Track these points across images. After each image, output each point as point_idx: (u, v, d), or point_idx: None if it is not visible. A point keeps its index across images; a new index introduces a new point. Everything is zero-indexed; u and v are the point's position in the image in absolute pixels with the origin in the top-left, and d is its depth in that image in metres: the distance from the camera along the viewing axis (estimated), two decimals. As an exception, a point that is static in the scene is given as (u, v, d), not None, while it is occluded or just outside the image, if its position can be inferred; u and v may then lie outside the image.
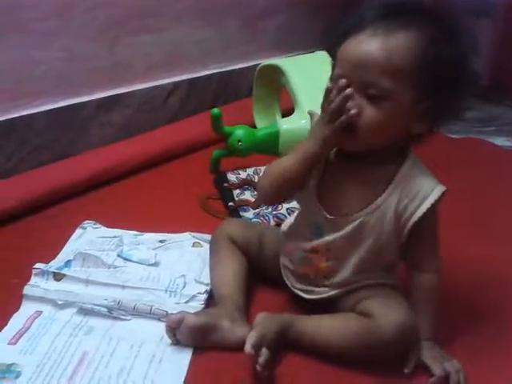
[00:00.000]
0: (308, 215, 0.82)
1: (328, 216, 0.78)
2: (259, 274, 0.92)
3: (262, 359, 0.72)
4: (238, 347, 0.75)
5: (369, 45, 0.70)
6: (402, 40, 0.70)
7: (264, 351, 0.73)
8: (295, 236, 0.84)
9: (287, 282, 0.87)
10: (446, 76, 0.71)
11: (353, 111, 0.70)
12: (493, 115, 1.92)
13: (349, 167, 0.78)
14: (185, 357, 0.77)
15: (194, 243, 1.02)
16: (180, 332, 0.78)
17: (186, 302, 0.87)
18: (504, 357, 0.81)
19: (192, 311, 0.82)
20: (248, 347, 0.72)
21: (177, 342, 0.79)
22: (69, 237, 1.03)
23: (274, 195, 0.83)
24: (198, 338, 0.78)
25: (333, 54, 0.76)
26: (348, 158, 0.78)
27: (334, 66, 0.76)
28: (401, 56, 0.69)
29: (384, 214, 0.76)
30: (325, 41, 0.78)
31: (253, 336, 0.73)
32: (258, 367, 0.71)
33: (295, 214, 0.89)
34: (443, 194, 0.75)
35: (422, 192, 0.75)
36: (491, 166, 1.50)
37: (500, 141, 1.68)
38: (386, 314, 0.74)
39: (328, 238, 0.79)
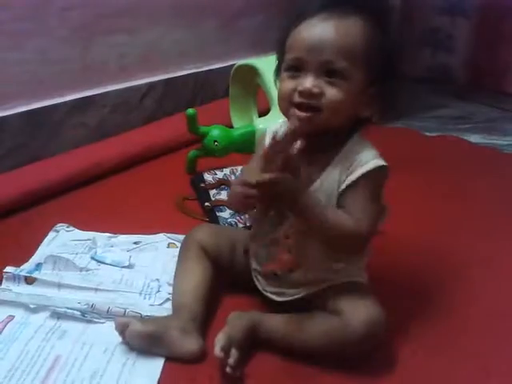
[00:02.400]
0: None
1: None
2: (231, 280, 0.91)
3: (231, 360, 0.72)
4: (186, 360, 0.75)
5: (324, 27, 0.73)
6: (353, 25, 0.73)
7: (234, 352, 0.73)
8: (257, 232, 0.84)
9: (258, 285, 0.86)
10: (387, 62, 0.76)
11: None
12: (468, 113, 1.95)
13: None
14: (159, 359, 0.76)
15: (169, 244, 1.02)
16: (127, 336, 0.77)
17: (161, 304, 0.86)
18: (463, 349, 0.82)
19: (166, 314, 0.82)
20: (217, 350, 0.72)
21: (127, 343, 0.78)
22: (42, 240, 1.01)
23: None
24: (144, 345, 0.77)
25: (281, 45, 0.78)
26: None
27: (281, 55, 0.78)
28: (353, 39, 0.73)
29: (329, 190, 0.76)
30: (277, 35, 0.80)
31: (221, 338, 0.73)
32: (227, 369, 0.71)
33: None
34: (383, 168, 0.75)
35: (358, 163, 0.75)
36: (466, 163, 1.52)
37: (475, 138, 1.70)
38: (356, 310, 0.74)
39: (285, 224, 0.79)
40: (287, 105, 0.75)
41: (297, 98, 0.74)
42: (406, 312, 0.88)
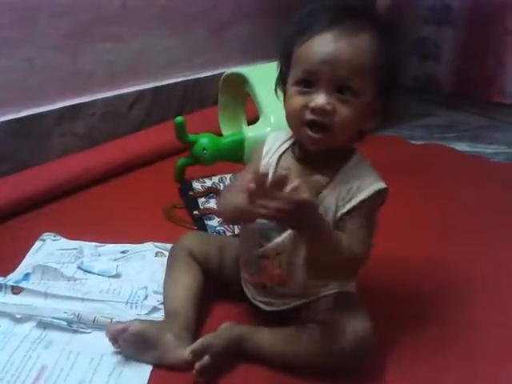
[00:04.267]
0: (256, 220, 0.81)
1: None
2: (220, 288, 0.91)
3: (198, 365, 0.72)
4: (175, 369, 0.75)
5: (337, 43, 0.71)
6: (363, 42, 0.72)
7: (206, 358, 0.73)
8: (247, 243, 0.84)
9: (248, 294, 0.86)
10: (393, 75, 0.76)
11: None
12: (454, 121, 1.97)
13: (296, 170, 0.78)
14: (146, 369, 0.76)
15: (156, 253, 1.02)
16: (123, 339, 0.76)
17: (148, 314, 0.86)
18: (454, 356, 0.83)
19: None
20: (187, 352, 0.73)
21: (119, 350, 0.77)
22: (28, 249, 1.01)
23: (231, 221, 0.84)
24: (138, 348, 0.76)
25: (287, 54, 0.77)
26: (298, 161, 0.79)
27: (286, 66, 0.77)
28: (365, 56, 0.72)
29: (326, 211, 0.75)
30: (278, 41, 0.79)
31: (197, 343, 0.74)
32: (194, 371, 0.72)
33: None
34: (383, 191, 0.75)
35: (357, 188, 0.75)
36: (452, 170, 1.54)
37: (461, 146, 1.72)
38: (345, 324, 0.73)
39: (276, 240, 0.78)
40: (298, 123, 0.74)
41: (308, 115, 0.72)
42: (396, 322, 0.88)
